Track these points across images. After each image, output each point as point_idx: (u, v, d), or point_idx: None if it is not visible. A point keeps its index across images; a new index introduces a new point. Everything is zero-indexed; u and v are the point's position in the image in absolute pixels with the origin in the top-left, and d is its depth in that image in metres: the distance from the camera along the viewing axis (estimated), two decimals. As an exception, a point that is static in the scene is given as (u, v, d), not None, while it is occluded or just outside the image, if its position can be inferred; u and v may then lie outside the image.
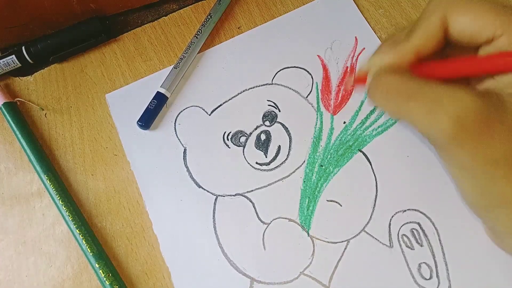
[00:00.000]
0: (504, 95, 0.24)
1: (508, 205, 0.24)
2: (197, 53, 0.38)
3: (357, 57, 0.37)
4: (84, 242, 0.32)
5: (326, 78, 0.37)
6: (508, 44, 0.24)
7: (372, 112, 0.35)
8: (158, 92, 0.36)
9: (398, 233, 0.32)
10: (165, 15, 0.41)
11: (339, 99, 0.36)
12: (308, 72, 0.37)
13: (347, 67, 0.37)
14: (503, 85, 0.24)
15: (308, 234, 0.32)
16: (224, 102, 0.37)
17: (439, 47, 0.26)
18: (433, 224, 0.32)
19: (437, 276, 0.31)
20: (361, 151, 0.34)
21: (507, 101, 0.23)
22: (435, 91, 0.23)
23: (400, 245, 0.32)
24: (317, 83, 0.37)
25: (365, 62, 0.29)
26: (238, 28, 0.40)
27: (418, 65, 0.26)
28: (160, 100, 0.36)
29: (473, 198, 0.26)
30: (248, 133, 0.35)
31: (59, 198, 0.33)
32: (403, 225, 0.32)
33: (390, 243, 0.32)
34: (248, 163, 0.35)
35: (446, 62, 0.26)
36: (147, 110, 0.36)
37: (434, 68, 0.26)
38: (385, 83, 0.26)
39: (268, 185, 0.34)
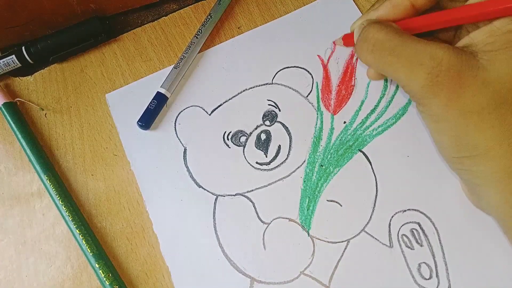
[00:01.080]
0: (479, 52, 0.25)
1: (480, 155, 0.25)
2: (197, 53, 0.38)
3: (357, 57, 0.38)
4: (84, 242, 0.32)
5: (327, 78, 0.37)
6: None
7: (372, 111, 0.36)
8: (158, 92, 0.36)
9: (398, 233, 0.32)
10: (165, 15, 0.41)
11: (340, 99, 0.36)
12: (308, 72, 0.37)
13: (347, 66, 0.37)
14: (476, 42, 0.26)
15: (308, 234, 0.33)
16: (224, 102, 0.37)
17: (431, 1, 0.29)
18: (433, 224, 0.32)
19: (437, 276, 0.31)
20: (361, 151, 0.35)
21: (481, 58, 0.25)
22: (414, 47, 0.26)
23: (400, 245, 0.32)
24: (317, 82, 0.37)
25: (357, 19, 0.32)
26: (238, 28, 0.40)
27: (406, 21, 0.29)
28: (160, 100, 0.36)
29: (448, 151, 0.27)
30: (248, 132, 0.36)
31: (59, 198, 0.34)
32: (403, 225, 0.32)
33: (390, 243, 0.32)
34: (248, 163, 0.35)
35: (429, 15, 0.28)
36: (147, 110, 0.36)
37: (418, 22, 0.29)
38: (372, 38, 0.28)
39: (268, 185, 0.34)
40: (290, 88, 0.37)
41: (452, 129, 0.26)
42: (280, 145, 0.35)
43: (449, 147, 0.27)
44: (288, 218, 0.33)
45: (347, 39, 0.36)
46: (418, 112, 0.30)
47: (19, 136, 0.36)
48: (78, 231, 0.33)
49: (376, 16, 0.30)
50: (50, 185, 0.34)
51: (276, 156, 0.35)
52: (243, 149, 0.35)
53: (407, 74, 0.26)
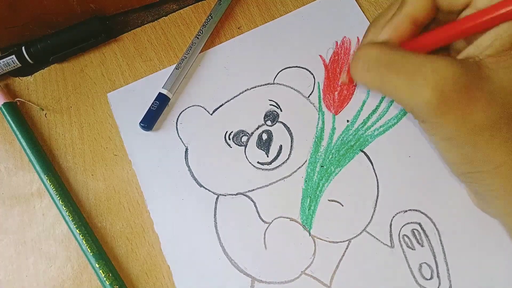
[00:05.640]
0: (483, 59, 0.25)
1: (490, 170, 0.26)
2: (198, 53, 0.40)
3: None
4: (84, 242, 0.34)
5: (328, 78, 0.39)
6: (488, 2, 0.25)
7: (374, 111, 0.38)
8: (160, 93, 0.38)
9: (399, 233, 0.34)
10: (165, 15, 0.43)
11: (341, 99, 0.38)
12: (310, 72, 0.40)
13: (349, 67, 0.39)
14: (482, 49, 0.25)
15: (309, 233, 0.34)
16: (226, 102, 0.39)
17: (431, 14, 0.28)
18: (434, 224, 0.34)
19: (438, 276, 0.33)
20: (362, 151, 0.37)
21: (485, 66, 0.25)
22: (415, 61, 0.25)
23: (401, 245, 0.34)
24: (319, 83, 0.39)
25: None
26: (238, 28, 0.42)
27: (412, 42, 0.28)
28: (162, 101, 0.38)
29: (457, 166, 0.28)
30: (249, 132, 0.38)
31: (59, 198, 0.36)
32: (404, 225, 0.34)
33: (391, 243, 0.34)
34: (250, 163, 0.37)
35: (429, 33, 0.28)
36: (149, 111, 0.38)
37: (419, 41, 0.28)
38: (365, 54, 0.27)
39: (270, 184, 0.36)
40: (291, 88, 0.39)
41: (462, 147, 0.26)
42: (281, 145, 0.37)
43: (459, 163, 0.27)
44: (289, 218, 0.35)
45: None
46: (421, 129, 0.30)
47: (19, 136, 0.38)
48: (78, 231, 0.35)
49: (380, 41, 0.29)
50: (50, 185, 0.36)
51: (278, 156, 0.37)
52: (245, 149, 0.37)
53: (409, 92, 0.25)
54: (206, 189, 0.36)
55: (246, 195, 0.36)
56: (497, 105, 0.25)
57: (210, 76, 0.40)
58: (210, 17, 0.41)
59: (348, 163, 0.36)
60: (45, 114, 0.40)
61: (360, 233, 0.34)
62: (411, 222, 0.34)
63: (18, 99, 0.40)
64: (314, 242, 0.34)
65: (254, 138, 0.38)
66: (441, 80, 0.24)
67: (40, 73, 0.41)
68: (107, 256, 0.35)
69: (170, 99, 0.39)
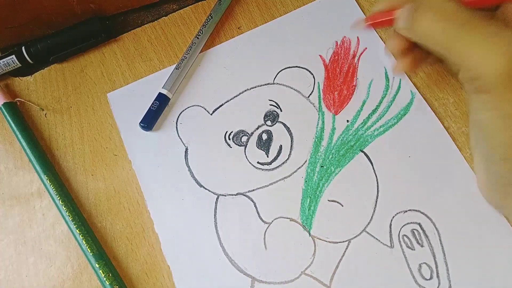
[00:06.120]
0: None
1: None
2: (198, 53, 0.41)
3: (359, 57, 0.40)
4: (84, 242, 0.34)
5: (328, 78, 0.39)
6: None
7: (374, 111, 0.38)
8: (160, 93, 0.38)
9: (399, 233, 0.34)
10: (165, 15, 0.43)
11: (341, 99, 0.39)
12: (310, 72, 0.40)
13: (349, 66, 0.40)
14: None
15: (309, 234, 0.35)
16: (226, 102, 0.39)
17: None
18: (433, 224, 0.34)
19: (438, 276, 0.33)
20: (362, 151, 0.37)
21: None
22: (488, 27, 0.24)
23: (401, 246, 0.34)
24: (318, 83, 0.39)
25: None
26: (238, 28, 0.42)
27: None
28: (162, 101, 0.38)
29: (506, 149, 0.26)
30: (249, 132, 0.38)
31: (59, 198, 0.36)
32: (404, 225, 0.34)
33: (391, 244, 0.34)
34: (250, 163, 0.37)
35: None
36: (149, 111, 0.38)
37: None
38: (440, 5, 0.26)
39: (270, 184, 0.36)
40: (291, 88, 0.39)
41: None
42: (281, 145, 0.37)
43: (509, 146, 0.26)
44: (289, 218, 0.35)
45: (376, 18, 0.33)
46: (471, 101, 0.28)
47: (19, 136, 0.38)
48: (78, 231, 0.35)
49: None
50: (50, 185, 0.36)
51: (278, 156, 0.37)
52: (245, 149, 0.37)
53: (479, 56, 0.24)
54: (206, 189, 0.36)
55: (246, 195, 0.36)
56: None
57: (210, 76, 0.40)
58: (210, 17, 0.41)
59: (348, 163, 0.36)
60: (45, 114, 0.40)
61: (360, 233, 0.34)
62: (411, 222, 0.34)
63: (18, 99, 0.40)
64: (314, 242, 0.34)
65: (254, 138, 0.38)
66: None
67: (40, 73, 0.41)
68: (107, 256, 0.35)
69: (170, 99, 0.39)
